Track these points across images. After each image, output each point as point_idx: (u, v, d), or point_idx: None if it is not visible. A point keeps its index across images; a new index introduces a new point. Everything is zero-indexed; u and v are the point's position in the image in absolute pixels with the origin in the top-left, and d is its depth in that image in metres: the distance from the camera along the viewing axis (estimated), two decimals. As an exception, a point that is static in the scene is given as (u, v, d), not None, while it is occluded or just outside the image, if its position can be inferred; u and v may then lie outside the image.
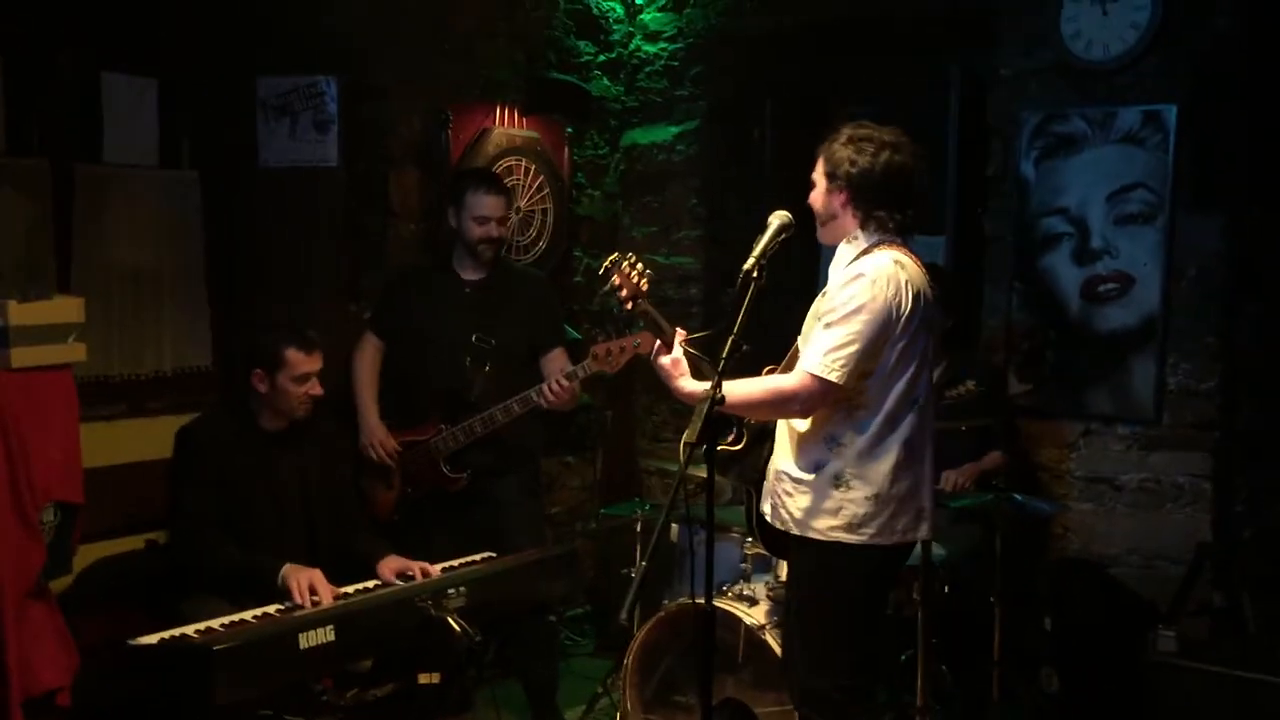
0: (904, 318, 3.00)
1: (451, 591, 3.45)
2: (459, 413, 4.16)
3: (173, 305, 4.42)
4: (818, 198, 3.16)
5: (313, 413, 3.75)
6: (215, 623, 3.21)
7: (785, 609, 3.48)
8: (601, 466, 5.64)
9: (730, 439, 3.30)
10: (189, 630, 3.15)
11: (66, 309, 3.54)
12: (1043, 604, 4.54)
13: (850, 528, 3.03)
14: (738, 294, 2.85)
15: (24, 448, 3.31)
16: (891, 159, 3.05)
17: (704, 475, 2.81)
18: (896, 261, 3.02)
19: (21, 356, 3.36)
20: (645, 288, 3.25)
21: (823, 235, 3.20)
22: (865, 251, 3.08)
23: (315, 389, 3.70)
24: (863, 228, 3.10)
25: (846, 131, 3.11)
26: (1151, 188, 4.43)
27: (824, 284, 3.15)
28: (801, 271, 5.82)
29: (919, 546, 3.76)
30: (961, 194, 5.14)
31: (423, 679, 3.59)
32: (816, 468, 3.06)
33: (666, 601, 4.08)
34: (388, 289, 4.48)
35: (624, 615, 2.51)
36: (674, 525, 4.32)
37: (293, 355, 3.63)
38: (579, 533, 5.59)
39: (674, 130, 5.68)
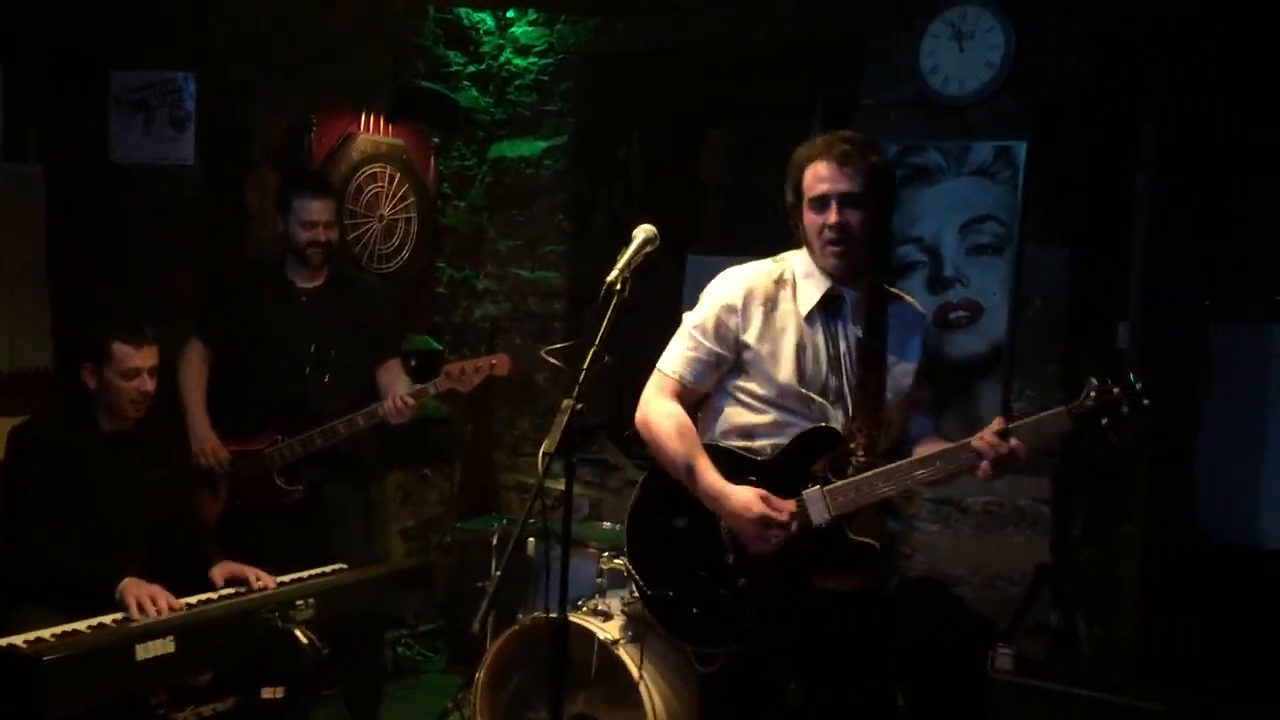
0: None
1: (300, 603, 3.36)
2: (296, 424, 4.06)
3: (11, 303, 4.24)
4: (865, 222, 2.82)
5: (148, 412, 3.57)
6: (46, 632, 3.06)
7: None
8: (460, 480, 5.58)
9: None
10: (16, 640, 3.00)
11: (-106, 300, 3.37)
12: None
13: None
14: (600, 306, 2.83)
15: None
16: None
17: (563, 488, 2.78)
18: None
19: None
20: None
21: (853, 265, 2.88)
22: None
23: (145, 385, 3.51)
24: None
25: (850, 135, 2.83)
26: (1001, 220, 4.59)
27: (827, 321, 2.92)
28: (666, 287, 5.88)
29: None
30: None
31: (266, 693, 3.48)
32: None
33: (521, 616, 4.05)
34: (216, 296, 4.34)
35: (476, 625, 2.48)
36: (530, 540, 4.29)
37: (119, 349, 3.45)
38: (434, 546, 5.52)
39: (542, 145, 5.67)
